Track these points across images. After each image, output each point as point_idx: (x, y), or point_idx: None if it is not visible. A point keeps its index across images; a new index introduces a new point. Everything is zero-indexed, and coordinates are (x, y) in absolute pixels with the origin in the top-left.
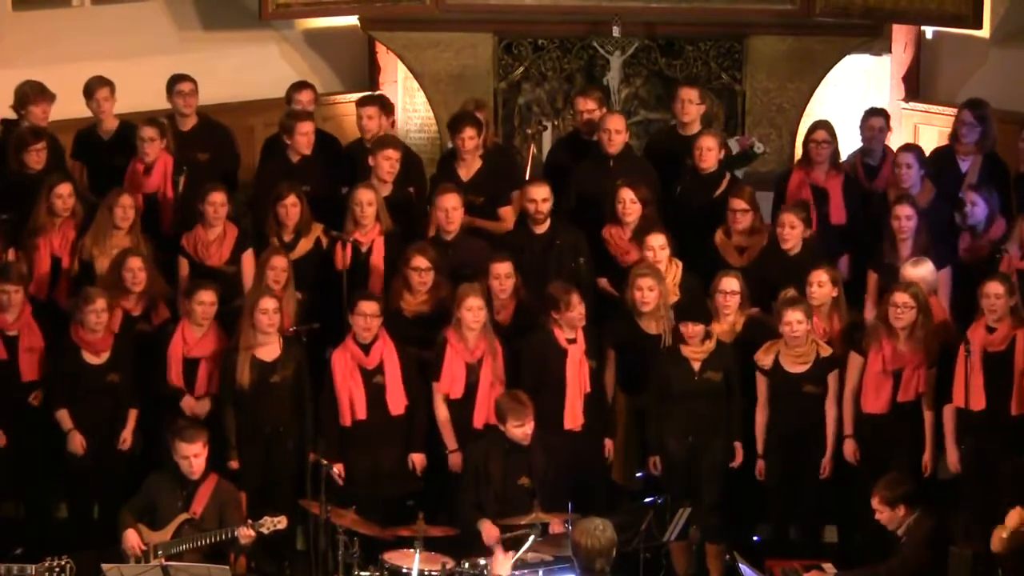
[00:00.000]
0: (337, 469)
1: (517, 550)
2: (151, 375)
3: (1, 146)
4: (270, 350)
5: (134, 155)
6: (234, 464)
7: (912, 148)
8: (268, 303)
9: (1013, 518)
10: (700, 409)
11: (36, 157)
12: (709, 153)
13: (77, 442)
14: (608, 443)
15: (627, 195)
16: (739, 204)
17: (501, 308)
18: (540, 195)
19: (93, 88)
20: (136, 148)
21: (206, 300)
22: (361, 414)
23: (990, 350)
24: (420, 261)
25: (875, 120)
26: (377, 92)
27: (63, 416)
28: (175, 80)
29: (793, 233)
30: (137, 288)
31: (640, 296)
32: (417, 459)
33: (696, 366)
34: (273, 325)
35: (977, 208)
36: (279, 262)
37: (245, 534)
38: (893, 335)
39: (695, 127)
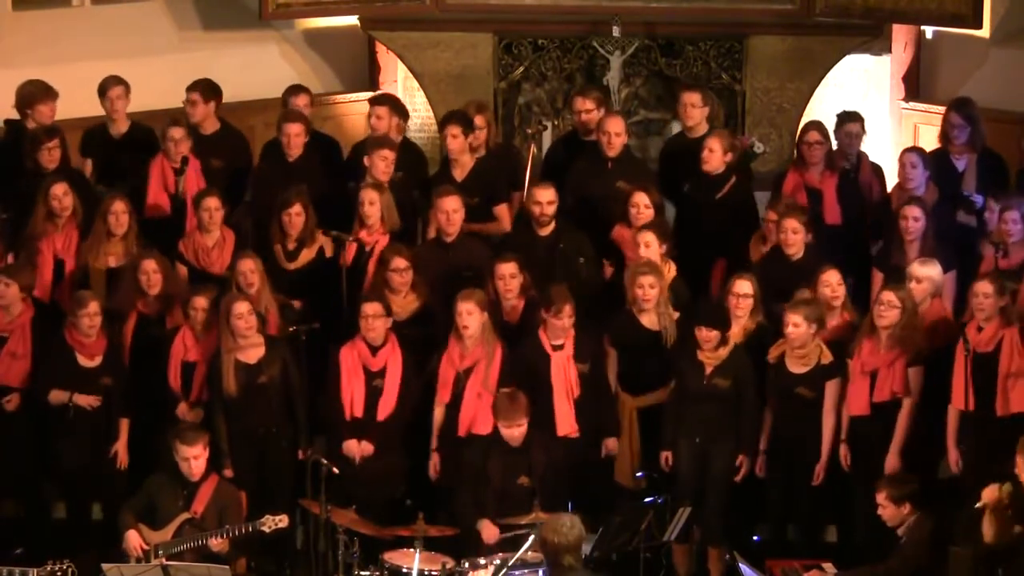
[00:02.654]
0: (354, 448)
1: (515, 551)
2: (152, 379)
3: (2, 146)
4: (254, 353)
5: (145, 154)
6: (228, 473)
7: (916, 149)
8: (241, 307)
9: (989, 494)
10: (708, 412)
11: (49, 156)
12: (711, 155)
13: (85, 400)
14: (609, 443)
15: (641, 200)
16: (772, 216)
17: (510, 309)
18: (545, 197)
19: (107, 86)
20: (145, 147)
21: (198, 306)
22: (358, 411)
23: (978, 350)
24: (399, 262)
25: (853, 126)
26: (388, 93)
27: (57, 393)
28: (189, 88)
29: (796, 238)
30: (153, 290)
31: (641, 293)
32: (366, 447)
33: (707, 370)
34: (251, 328)
35: (995, 215)
36: (246, 264)
37: (216, 544)
38: (874, 335)
39: (701, 129)
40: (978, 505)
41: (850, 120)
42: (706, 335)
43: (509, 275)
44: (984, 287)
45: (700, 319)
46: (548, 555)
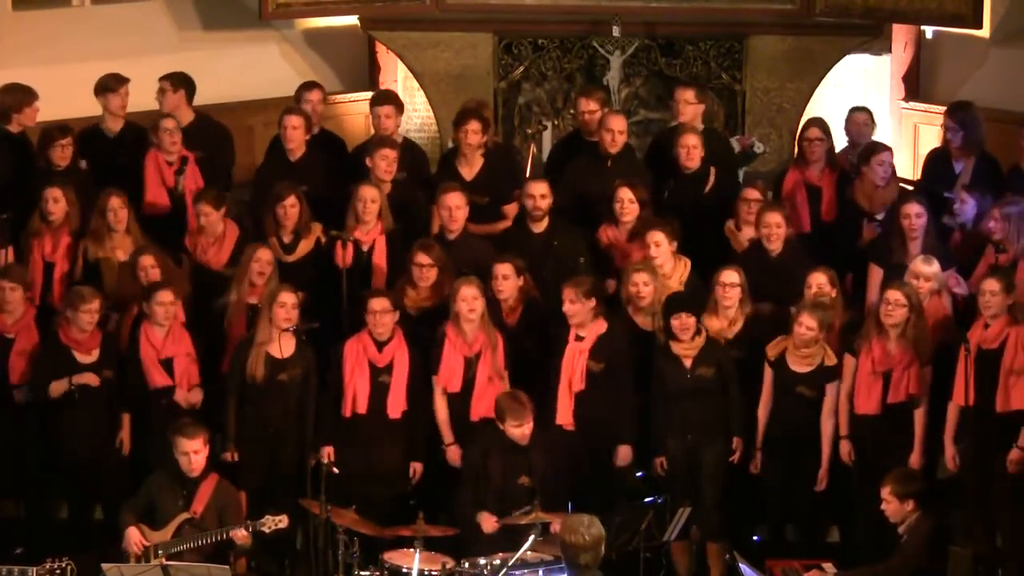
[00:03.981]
0: (327, 453)
1: (515, 550)
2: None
3: None
4: (282, 347)
5: (139, 153)
6: (228, 456)
7: (888, 148)
8: (287, 297)
9: None
10: (696, 407)
11: (61, 153)
12: (694, 151)
13: (88, 377)
14: (622, 450)
15: (626, 195)
16: (753, 194)
17: (508, 311)
18: (539, 191)
19: (116, 85)
20: (139, 146)
21: (165, 300)
22: (362, 408)
23: (983, 347)
24: (423, 258)
25: (859, 115)
26: (387, 89)
27: (56, 384)
28: (159, 79)
29: (779, 232)
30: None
31: (636, 291)
32: (418, 468)
33: (688, 363)
34: (290, 320)
35: (967, 206)
36: (264, 254)
37: (241, 536)
38: (884, 334)
39: (697, 126)
40: None
41: (858, 111)
42: (684, 322)
43: (502, 276)
44: (991, 285)
45: (672, 308)
46: (567, 556)
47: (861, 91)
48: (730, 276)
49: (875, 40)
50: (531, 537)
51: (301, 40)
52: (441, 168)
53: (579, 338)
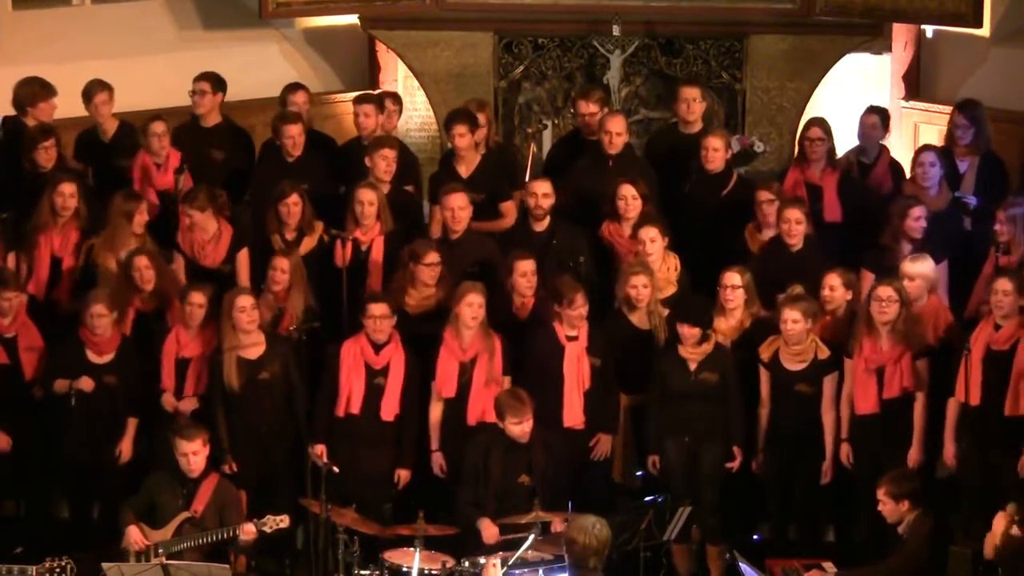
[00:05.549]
0: (320, 451)
1: (515, 550)
2: (149, 375)
3: (0, 144)
4: (254, 349)
5: (134, 154)
6: (228, 469)
7: (932, 148)
8: (245, 300)
9: (999, 522)
10: (697, 410)
11: (46, 155)
12: (716, 154)
13: (84, 382)
14: (603, 439)
15: (628, 192)
16: (766, 195)
17: (520, 305)
18: (541, 190)
19: (92, 92)
20: (135, 147)
21: (196, 302)
22: (355, 408)
23: (993, 348)
24: (432, 257)
25: (868, 117)
26: (377, 91)
27: (60, 382)
28: (198, 78)
29: (799, 229)
30: (147, 286)
31: (635, 293)
32: (403, 475)
33: (692, 366)
34: (253, 322)
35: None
36: (279, 263)
37: (247, 531)
38: (874, 332)
39: (699, 124)
40: (994, 540)
41: (869, 112)
42: (687, 332)
43: (531, 271)
44: (1004, 284)
45: (680, 316)
46: (574, 556)
47: (861, 91)
48: (732, 278)
49: (875, 39)
50: (531, 537)
51: (301, 40)
52: (441, 167)
53: (572, 338)
